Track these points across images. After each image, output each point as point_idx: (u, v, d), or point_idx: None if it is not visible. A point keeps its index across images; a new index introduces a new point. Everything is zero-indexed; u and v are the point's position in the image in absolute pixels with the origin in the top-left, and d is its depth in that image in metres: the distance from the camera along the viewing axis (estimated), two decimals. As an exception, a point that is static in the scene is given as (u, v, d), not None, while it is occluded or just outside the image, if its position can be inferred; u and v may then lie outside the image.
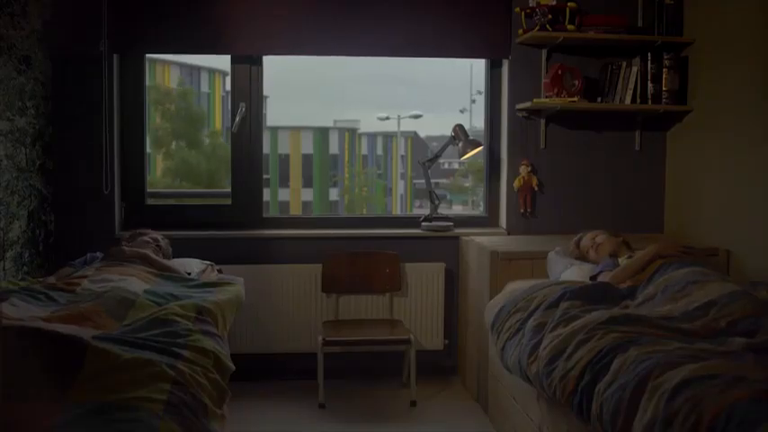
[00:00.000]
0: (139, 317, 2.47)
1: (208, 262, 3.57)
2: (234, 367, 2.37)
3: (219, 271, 3.52)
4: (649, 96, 3.90)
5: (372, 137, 17.98)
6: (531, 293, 2.90)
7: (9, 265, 3.31)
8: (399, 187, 17.17)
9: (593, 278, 3.07)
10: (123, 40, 3.84)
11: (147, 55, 4.06)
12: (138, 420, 1.75)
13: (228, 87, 4.10)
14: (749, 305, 2.42)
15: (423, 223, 4.12)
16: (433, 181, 4.28)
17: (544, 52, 4.02)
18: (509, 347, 2.80)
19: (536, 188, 4.06)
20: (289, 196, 16.51)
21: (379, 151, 18.08)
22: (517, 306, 2.90)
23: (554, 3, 3.85)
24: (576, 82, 3.89)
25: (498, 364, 3.31)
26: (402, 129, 16.82)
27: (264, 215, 4.16)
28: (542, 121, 4.07)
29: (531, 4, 3.91)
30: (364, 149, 18.11)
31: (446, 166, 16.00)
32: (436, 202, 4.16)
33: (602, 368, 2.17)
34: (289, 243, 4.01)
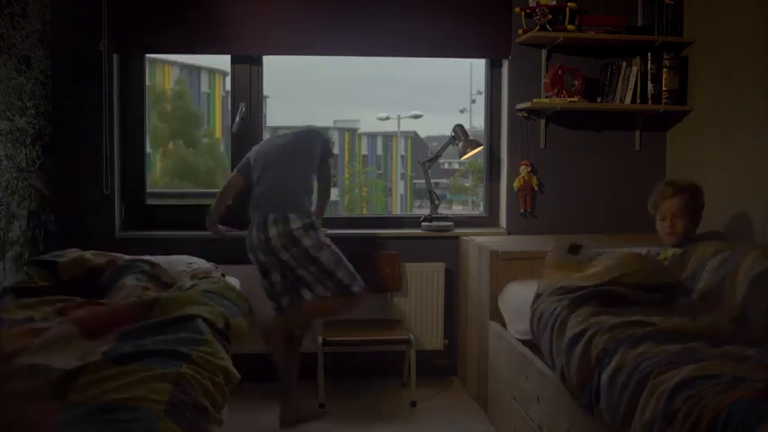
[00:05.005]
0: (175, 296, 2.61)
1: (211, 264, 3.54)
2: (240, 376, 2.37)
3: (222, 275, 3.50)
4: (649, 96, 3.91)
5: (372, 137, 17.94)
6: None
7: (9, 266, 3.31)
8: (399, 187, 17.14)
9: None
10: (123, 40, 3.85)
11: (147, 55, 4.06)
12: (138, 420, 1.75)
13: (228, 87, 4.10)
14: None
15: (423, 223, 4.12)
16: (433, 181, 4.28)
17: (544, 52, 4.02)
18: (548, 302, 2.69)
19: (536, 188, 4.06)
20: (289, 196, 16.45)
21: (379, 151, 18.04)
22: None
23: (554, 3, 3.85)
24: (576, 82, 3.89)
25: (498, 364, 3.31)
26: (402, 129, 16.76)
27: (264, 215, 4.14)
28: (542, 121, 4.07)
29: (531, 4, 3.91)
30: (364, 149, 18.08)
31: (446, 166, 15.96)
32: (436, 202, 4.16)
33: (607, 362, 2.15)
34: (289, 243, 4.00)
